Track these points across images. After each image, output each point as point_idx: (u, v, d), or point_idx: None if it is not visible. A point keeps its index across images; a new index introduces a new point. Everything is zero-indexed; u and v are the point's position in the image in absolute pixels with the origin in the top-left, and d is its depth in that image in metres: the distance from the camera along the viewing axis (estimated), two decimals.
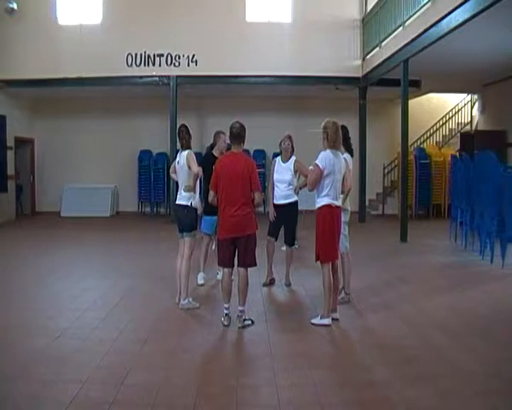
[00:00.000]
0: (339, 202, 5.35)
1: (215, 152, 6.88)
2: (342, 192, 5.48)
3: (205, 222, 6.89)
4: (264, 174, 13.99)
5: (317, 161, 5.22)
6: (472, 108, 15.90)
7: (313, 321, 5.33)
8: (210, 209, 6.27)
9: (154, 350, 4.73)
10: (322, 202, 5.25)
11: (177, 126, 6.24)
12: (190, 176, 5.85)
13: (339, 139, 5.31)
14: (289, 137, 6.88)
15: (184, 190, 5.89)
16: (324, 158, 5.20)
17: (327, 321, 5.27)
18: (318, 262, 5.31)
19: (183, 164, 5.87)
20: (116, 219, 14.84)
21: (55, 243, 10.69)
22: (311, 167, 5.38)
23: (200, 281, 7.01)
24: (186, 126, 6.02)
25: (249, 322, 5.34)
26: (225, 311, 5.34)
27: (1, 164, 13.22)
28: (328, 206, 5.23)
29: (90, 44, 12.84)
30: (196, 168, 5.78)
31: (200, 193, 6.16)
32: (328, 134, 5.22)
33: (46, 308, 6.00)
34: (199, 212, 6.09)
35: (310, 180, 5.34)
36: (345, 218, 5.89)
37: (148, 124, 15.32)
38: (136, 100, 15.16)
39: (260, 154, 15.04)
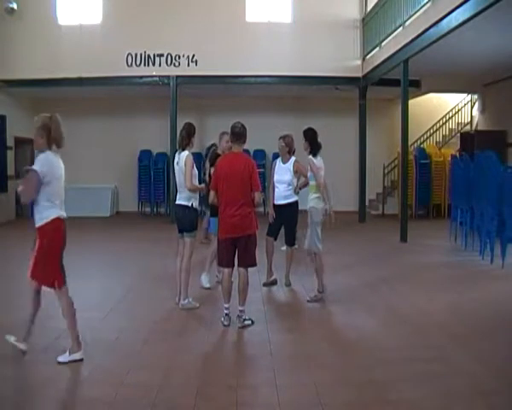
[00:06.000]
0: None
1: (219, 151, 6.95)
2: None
3: (213, 223, 6.80)
4: (264, 174, 13.97)
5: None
6: (472, 108, 15.88)
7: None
8: (217, 210, 6.28)
9: (154, 350, 4.74)
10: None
11: (177, 126, 6.24)
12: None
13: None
14: (283, 138, 6.86)
15: (190, 190, 5.86)
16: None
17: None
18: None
19: (182, 166, 5.85)
20: (116, 219, 14.82)
21: None
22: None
23: (207, 285, 6.80)
24: (186, 127, 5.99)
25: (249, 322, 5.34)
26: (225, 311, 5.34)
27: (1, 164, 13.20)
28: None
29: (90, 44, 12.82)
30: (189, 183, 5.71)
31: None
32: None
33: (46, 308, 5.95)
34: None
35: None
36: (316, 218, 5.95)
37: (148, 124, 15.30)
38: (136, 100, 15.16)
39: (260, 154, 15.02)
